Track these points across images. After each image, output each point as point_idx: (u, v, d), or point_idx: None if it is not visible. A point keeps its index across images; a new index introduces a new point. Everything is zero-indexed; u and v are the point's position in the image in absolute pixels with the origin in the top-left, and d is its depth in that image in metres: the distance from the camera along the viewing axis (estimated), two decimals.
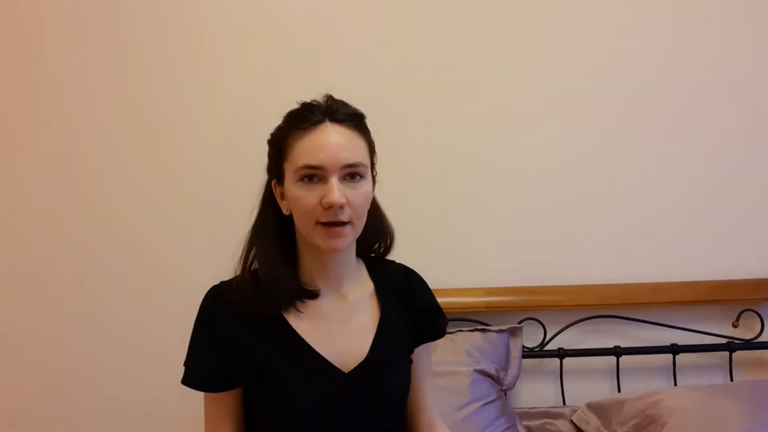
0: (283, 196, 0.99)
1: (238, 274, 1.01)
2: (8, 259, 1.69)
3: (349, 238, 0.96)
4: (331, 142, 0.93)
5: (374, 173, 1.03)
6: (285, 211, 0.99)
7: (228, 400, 0.98)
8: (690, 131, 1.82)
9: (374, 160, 1.03)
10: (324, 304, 1.01)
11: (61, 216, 1.69)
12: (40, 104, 1.68)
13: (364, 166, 0.96)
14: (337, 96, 1.01)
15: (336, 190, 0.91)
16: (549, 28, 1.77)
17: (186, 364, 0.99)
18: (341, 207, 0.92)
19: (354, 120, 0.98)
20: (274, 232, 1.00)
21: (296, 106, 1.00)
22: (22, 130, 1.68)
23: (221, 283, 1.01)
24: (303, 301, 0.99)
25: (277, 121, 1.03)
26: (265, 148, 1.04)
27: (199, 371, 0.97)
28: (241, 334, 0.96)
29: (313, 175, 0.92)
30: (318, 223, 0.93)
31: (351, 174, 0.94)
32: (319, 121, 0.94)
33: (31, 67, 1.68)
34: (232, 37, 1.70)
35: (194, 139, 1.71)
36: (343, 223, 0.93)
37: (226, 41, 1.70)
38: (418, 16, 1.74)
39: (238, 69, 1.71)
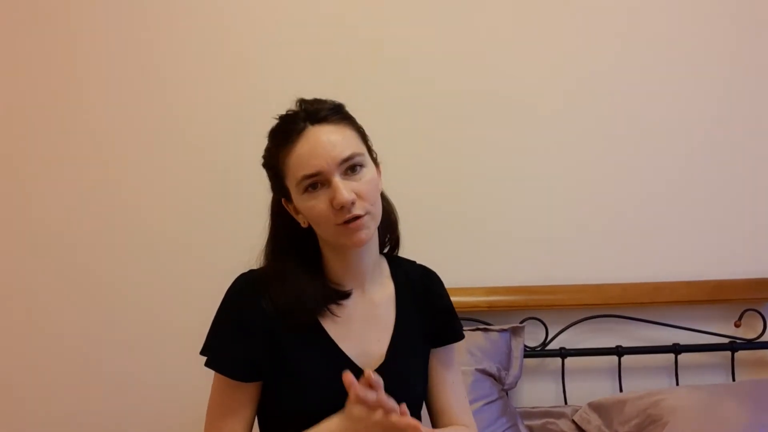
0: (296, 211, 0.97)
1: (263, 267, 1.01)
2: (23, 255, 1.69)
3: (371, 227, 0.95)
4: (320, 145, 0.91)
5: (374, 156, 1.01)
6: (303, 225, 0.98)
7: (248, 392, 0.96)
8: (690, 131, 1.81)
9: (369, 143, 1.00)
10: (349, 302, 1.01)
11: (76, 212, 1.69)
12: (56, 101, 1.68)
13: (360, 155, 0.94)
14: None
15: (342, 189, 0.89)
16: (559, 29, 1.77)
17: (209, 347, 0.96)
18: (353, 203, 0.90)
19: (334, 113, 0.95)
20: (292, 248, 0.99)
21: (275, 121, 0.98)
22: (38, 127, 1.68)
23: (251, 271, 1.01)
24: (338, 304, 0.99)
25: None
26: None
27: (228, 357, 0.95)
28: (269, 326, 0.95)
29: (315, 182, 0.91)
30: (336, 224, 0.92)
31: (351, 167, 0.92)
32: (302, 129, 0.92)
33: (46, 64, 1.68)
34: (248, 31, 1.71)
35: (211, 133, 1.71)
36: (359, 216, 0.92)
37: (243, 35, 1.71)
38: (425, 15, 1.74)
39: (255, 64, 1.71)
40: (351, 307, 1.00)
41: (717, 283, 1.78)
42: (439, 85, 1.75)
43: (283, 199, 0.99)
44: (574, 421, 1.65)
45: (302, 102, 0.97)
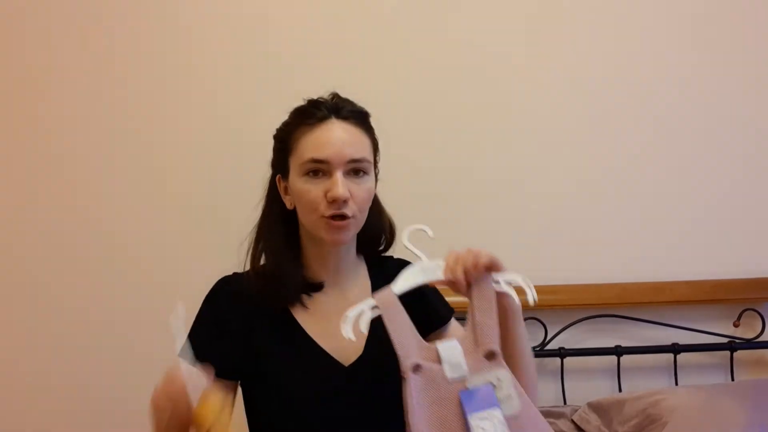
0: (287, 191, 1.02)
1: (247, 269, 1.04)
2: (3, 261, 1.68)
3: (351, 231, 0.99)
4: (337, 137, 0.96)
5: (377, 171, 1.06)
6: (289, 206, 1.02)
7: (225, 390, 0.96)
8: (690, 130, 1.81)
9: (377, 158, 1.06)
10: (326, 299, 1.03)
11: (55, 217, 1.67)
12: (34, 105, 1.67)
13: (368, 162, 0.99)
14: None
15: (341, 185, 0.94)
16: (561, 35, 1.77)
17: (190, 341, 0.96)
18: (345, 201, 0.94)
19: (359, 117, 1.01)
20: (281, 226, 1.03)
21: (302, 103, 1.03)
22: (16, 132, 1.67)
23: (234, 273, 1.05)
24: (309, 295, 1.02)
25: (279, 122, 1.04)
26: (266, 149, 1.06)
27: (205, 351, 0.93)
28: (247, 324, 0.99)
29: (319, 169, 0.95)
30: (322, 216, 0.95)
31: (355, 170, 0.97)
32: (325, 117, 0.98)
33: (24, 68, 1.66)
34: (231, 36, 1.69)
35: (191, 140, 1.70)
36: (346, 217, 0.95)
37: (225, 40, 1.69)
38: (428, 20, 1.74)
39: (238, 69, 1.70)
40: (328, 303, 1.03)
41: (716, 282, 1.78)
42: (440, 86, 1.74)
43: (278, 176, 1.03)
44: (573, 421, 1.65)
45: (335, 96, 1.03)
